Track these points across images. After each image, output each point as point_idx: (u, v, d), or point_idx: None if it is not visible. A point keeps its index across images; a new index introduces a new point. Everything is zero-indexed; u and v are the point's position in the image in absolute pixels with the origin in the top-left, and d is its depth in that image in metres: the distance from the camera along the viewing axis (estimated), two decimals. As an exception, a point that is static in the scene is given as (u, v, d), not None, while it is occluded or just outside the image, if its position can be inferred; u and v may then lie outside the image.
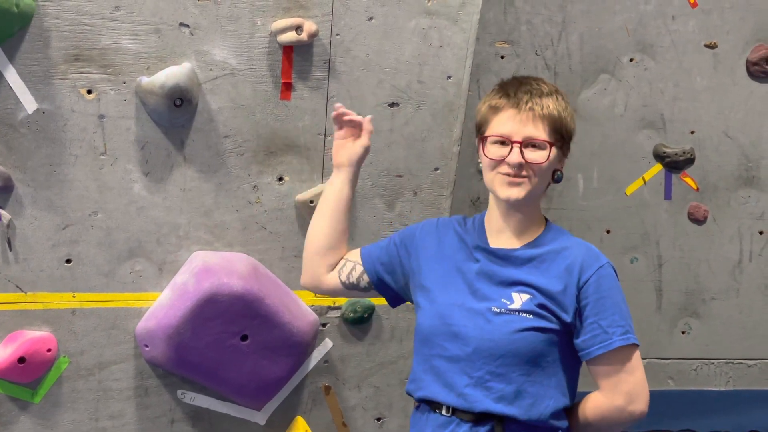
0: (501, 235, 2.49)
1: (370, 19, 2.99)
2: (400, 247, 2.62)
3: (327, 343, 3.16)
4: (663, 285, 3.84)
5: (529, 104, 2.41)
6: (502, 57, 3.58)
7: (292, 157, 3.00)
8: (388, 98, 3.06)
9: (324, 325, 3.14)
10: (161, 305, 2.89)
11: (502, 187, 2.42)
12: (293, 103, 2.97)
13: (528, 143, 2.40)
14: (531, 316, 2.37)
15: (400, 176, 3.11)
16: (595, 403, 2.44)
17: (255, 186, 2.98)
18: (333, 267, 2.65)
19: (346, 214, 2.64)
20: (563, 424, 2.43)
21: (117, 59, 2.78)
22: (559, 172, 2.49)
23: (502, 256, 2.46)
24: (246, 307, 2.86)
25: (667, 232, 3.81)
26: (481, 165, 2.50)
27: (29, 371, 2.80)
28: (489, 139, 2.44)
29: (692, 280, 3.86)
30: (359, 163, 2.63)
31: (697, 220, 3.82)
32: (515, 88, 2.46)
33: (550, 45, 3.61)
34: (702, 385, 3.94)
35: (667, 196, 3.80)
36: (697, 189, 3.81)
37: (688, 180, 3.79)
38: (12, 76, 2.69)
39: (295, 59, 2.95)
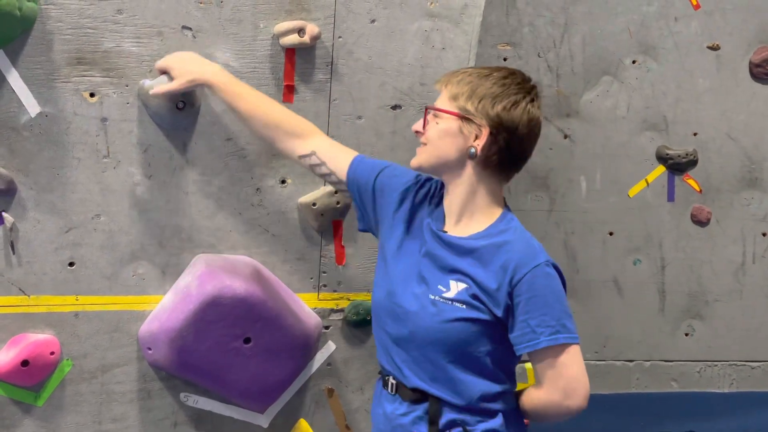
0: (450, 218, 2.57)
1: (373, 21, 3.00)
2: (376, 193, 2.69)
3: (330, 346, 3.16)
4: (666, 287, 3.83)
5: (440, 83, 2.56)
6: (505, 59, 3.57)
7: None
8: (391, 100, 3.06)
9: (327, 327, 3.14)
10: (164, 308, 2.89)
11: None
12: (296, 105, 2.97)
13: (428, 113, 2.54)
14: (464, 306, 2.44)
15: (403, 179, 3.11)
16: (532, 396, 2.53)
17: (258, 189, 2.98)
18: (284, 137, 2.75)
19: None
20: (506, 405, 2.51)
21: (119, 62, 2.78)
22: (472, 149, 2.48)
23: (447, 242, 2.52)
24: (249, 310, 2.86)
25: (670, 234, 3.80)
26: None
27: (32, 374, 2.80)
28: None
29: (695, 282, 3.86)
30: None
31: (700, 222, 3.82)
32: None
33: (552, 47, 3.60)
34: (705, 387, 3.93)
35: (670, 198, 3.79)
36: (700, 191, 3.80)
37: (690, 182, 3.78)
38: (15, 80, 2.69)
39: (297, 62, 2.95)
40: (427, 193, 2.67)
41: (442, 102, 2.52)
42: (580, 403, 2.46)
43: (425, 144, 2.53)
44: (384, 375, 2.61)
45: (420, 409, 2.49)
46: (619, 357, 3.83)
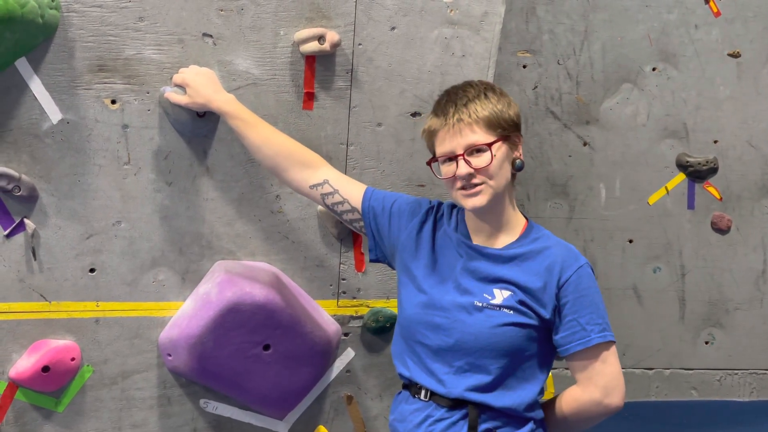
0: (480, 234, 2.60)
1: (393, 29, 3.00)
2: (393, 218, 2.70)
3: (349, 353, 3.16)
4: (686, 295, 3.82)
5: (456, 116, 2.50)
6: (524, 66, 3.57)
7: (315, 167, 3.01)
8: (411, 108, 3.06)
9: (346, 334, 3.14)
10: (184, 315, 2.90)
11: (464, 200, 2.52)
12: (316, 112, 2.98)
13: (471, 151, 2.48)
14: (511, 312, 2.48)
15: (423, 186, 3.11)
16: (572, 396, 2.57)
17: (277, 195, 2.99)
18: (295, 167, 2.74)
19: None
20: (537, 414, 2.55)
21: (141, 69, 2.79)
22: (518, 161, 2.56)
23: (485, 254, 2.56)
24: (268, 317, 2.86)
25: (690, 241, 3.80)
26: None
27: (53, 380, 2.81)
28: (439, 161, 2.56)
29: (715, 290, 3.85)
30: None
31: (721, 229, 3.81)
32: (443, 105, 2.55)
33: (572, 54, 3.60)
34: (725, 396, 3.92)
35: (690, 205, 3.78)
36: (720, 198, 3.79)
37: (711, 189, 3.77)
38: (37, 87, 2.70)
39: (317, 69, 2.95)
40: (443, 214, 2.70)
41: (481, 135, 2.48)
42: (619, 401, 2.52)
43: (485, 182, 2.48)
44: (413, 386, 2.59)
45: (457, 415, 2.50)
46: (638, 365, 3.82)
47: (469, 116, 2.48)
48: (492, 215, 2.56)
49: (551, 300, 2.48)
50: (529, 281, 2.49)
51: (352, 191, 2.74)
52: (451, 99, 2.54)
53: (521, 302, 2.48)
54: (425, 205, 2.72)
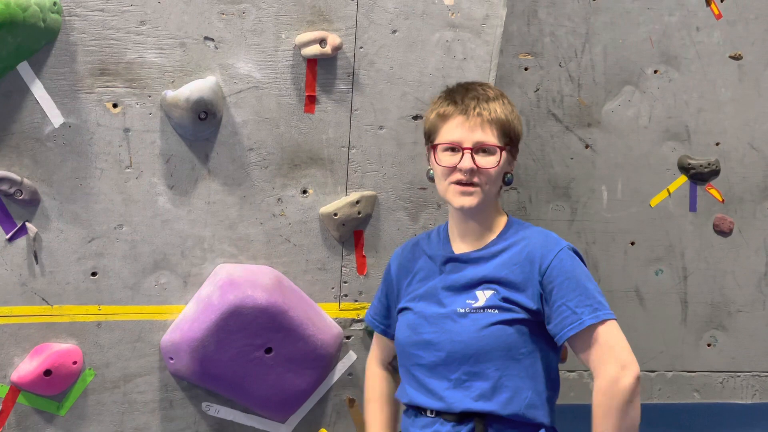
0: (465, 240, 2.60)
1: (394, 32, 3.00)
2: (391, 301, 2.78)
3: (351, 356, 3.16)
4: (688, 297, 3.82)
5: (477, 110, 2.49)
6: (526, 69, 3.57)
7: (316, 170, 3.01)
8: (412, 111, 3.06)
9: (348, 337, 3.14)
10: (186, 318, 2.90)
11: (455, 197, 2.51)
12: (317, 116, 2.98)
13: (478, 149, 2.48)
14: (496, 311, 2.45)
15: (424, 189, 3.11)
16: (596, 391, 2.41)
17: (279, 199, 2.99)
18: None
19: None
20: (543, 417, 2.47)
21: (142, 73, 2.80)
22: (509, 175, 2.57)
23: (466, 260, 2.56)
24: (270, 320, 2.86)
25: (692, 244, 3.79)
26: (432, 172, 2.60)
27: (55, 384, 2.81)
28: (439, 147, 2.53)
29: (718, 293, 3.84)
30: None
31: (723, 231, 3.80)
32: (462, 95, 2.54)
33: (573, 57, 3.60)
34: (728, 398, 3.91)
35: (692, 207, 3.78)
36: (723, 201, 3.79)
37: (713, 192, 3.77)
38: (39, 91, 2.71)
39: (318, 72, 2.95)
40: (418, 244, 2.72)
41: (494, 137, 2.49)
42: (635, 370, 2.38)
43: (482, 185, 2.49)
44: (417, 409, 2.58)
45: (464, 429, 2.46)
46: (641, 367, 3.81)
47: (490, 114, 2.48)
48: (477, 220, 2.57)
49: (535, 289, 2.45)
50: (510, 275, 2.47)
51: (388, 345, 2.85)
52: (471, 93, 2.53)
53: (505, 299, 2.46)
54: (393, 264, 2.77)
